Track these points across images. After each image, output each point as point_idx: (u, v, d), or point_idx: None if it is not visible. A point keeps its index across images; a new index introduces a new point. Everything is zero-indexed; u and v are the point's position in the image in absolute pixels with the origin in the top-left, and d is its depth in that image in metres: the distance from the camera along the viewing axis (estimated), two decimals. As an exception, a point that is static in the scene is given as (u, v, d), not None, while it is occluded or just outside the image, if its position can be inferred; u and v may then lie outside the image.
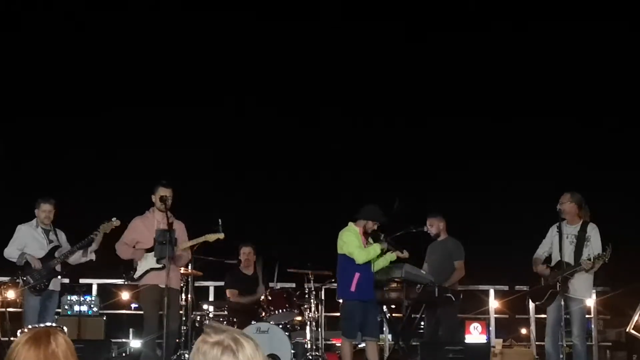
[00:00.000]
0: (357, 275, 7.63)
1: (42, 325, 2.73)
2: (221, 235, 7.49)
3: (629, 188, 14.12)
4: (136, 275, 7.53)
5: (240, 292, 8.81)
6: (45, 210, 7.95)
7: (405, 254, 7.84)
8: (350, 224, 7.82)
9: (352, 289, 7.63)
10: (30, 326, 2.72)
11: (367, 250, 7.65)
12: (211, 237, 7.49)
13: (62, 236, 8.12)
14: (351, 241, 7.67)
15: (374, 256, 7.66)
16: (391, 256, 7.86)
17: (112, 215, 7.83)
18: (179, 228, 7.67)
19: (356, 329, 7.64)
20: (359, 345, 8.57)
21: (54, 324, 2.74)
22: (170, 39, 15.22)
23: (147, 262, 7.45)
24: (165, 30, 15.15)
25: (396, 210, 7.82)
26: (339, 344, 10.64)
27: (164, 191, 7.49)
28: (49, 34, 14.61)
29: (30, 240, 7.87)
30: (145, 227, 7.54)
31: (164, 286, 7.28)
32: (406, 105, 16.10)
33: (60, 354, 2.62)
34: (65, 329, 2.75)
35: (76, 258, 7.93)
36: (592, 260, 7.17)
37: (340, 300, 7.97)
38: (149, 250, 7.49)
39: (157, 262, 7.36)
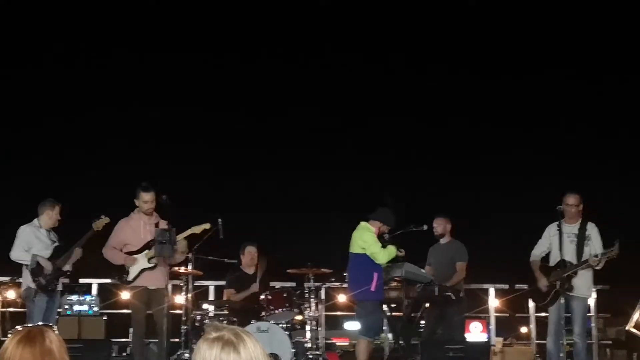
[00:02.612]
0: (376, 275, 7.73)
1: (30, 325, 2.75)
2: (207, 226, 7.53)
3: (629, 186, 14.13)
4: (130, 278, 7.57)
5: (238, 291, 8.82)
6: (57, 212, 7.97)
7: (402, 253, 7.89)
8: (365, 223, 7.87)
9: (373, 289, 7.72)
10: (19, 327, 2.73)
11: (388, 251, 7.75)
12: (197, 229, 7.55)
13: (56, 237, 8.15)
14: (374, 241, 7.77)
15: (391, 257, 7.73)
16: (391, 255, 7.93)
17: (100, 214, 7.88)
18: (164, 227, 7.69)
19: (378, 327, 7.76)
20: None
21: (40, 323, 2.76)
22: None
23: (139, 263, 7.49)
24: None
25: (388, 204, 7.88)
26: (339, 343, 10.66)
27: (143, 196, 7.55)
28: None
29: (35, 241, 7.87)
30: (132, 229, 7.58)
31: (152, 287, 7.34)
32: (406, 108, 16.10)
33: (56, 351, 2.63)
34: (55, 328, 2.77)
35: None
36: (599, 256, 7.18)
37: (345, 298, 8.05)
38: (137, 252, 7.54)
39: (149, 261, 7.40)
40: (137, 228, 7.54)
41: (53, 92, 14.76)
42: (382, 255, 7.70)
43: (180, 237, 7.59)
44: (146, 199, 7.57)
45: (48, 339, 2.65)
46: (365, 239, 7.77)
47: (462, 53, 15.51)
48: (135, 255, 7.55)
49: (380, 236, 7.90)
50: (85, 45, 14.78)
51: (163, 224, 7.67)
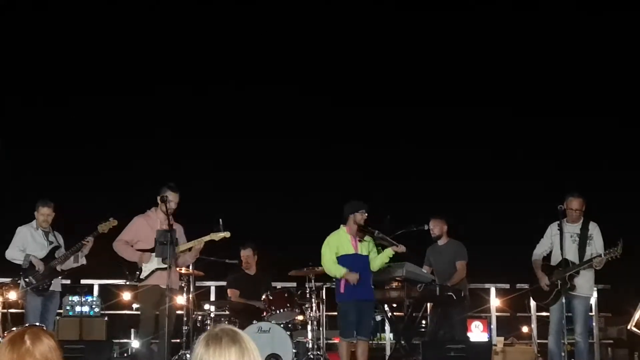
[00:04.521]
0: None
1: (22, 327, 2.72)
2: (227, 234, 7.51)
3: (630, 185, 14.12)
4: (143, 276, 7.50)
5: (242, 293, 8.83)
6: (44, 213, 7.97)
7: (402, 248, 7.84)
8: (342, 226, 7.87)
9: (342, 290, 7.73)
10: (14, 328, 2.71)
11: (334, 266, 7.74)
12: (217, 236, 7.50)
13: (60, 239, 8.15)
14: (326, 247, 7.81)
15: (334, 274, 7.76)
16: (388, 252, 7.83)
17: (109, 215, 7.90)
18: (178, 230, 7.69)
19: (351, 328, 7.68)
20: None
21: (36, 324, 2.74)
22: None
23: (154, 262, 7.45)
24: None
25: (386, 225, 7.86)
26: (341, 343, 10.61)
27: (169, 195, 7.53)
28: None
29: (30, 242, 7.91)
30: (149, 227, 7.49)
31: (164, 286, 7.30)
32: (404, 107, 16.10)
33: (37, 353, 2.60)
34: (45, 328, 2.74)
35: (68, 264, 7.96)
36: (602, 256, 7.18)
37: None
38: (149, 250, 7.52)
39: (163, 261, 7.35)
40: (155, 226, 7.43)
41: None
42: (327, 263, 7.78)
43: (196, 242, 7.59)
44: (171, 199, 7.55)
45: (29, 341, 2.61)
46: (322, 250, 7.86)
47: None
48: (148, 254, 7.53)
49: (367, 230, 7.84)
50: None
51: (176, 226, 7.68)
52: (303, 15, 15.31)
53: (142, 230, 7.54)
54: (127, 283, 9.85)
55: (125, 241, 7.59)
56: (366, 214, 7.81)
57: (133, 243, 7.58)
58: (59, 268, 7.90)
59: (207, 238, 7.52)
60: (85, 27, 14.76)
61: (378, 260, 7.88)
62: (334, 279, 7.90)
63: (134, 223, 7.67)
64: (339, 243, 7.80)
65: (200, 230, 7.83)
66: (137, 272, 7.52)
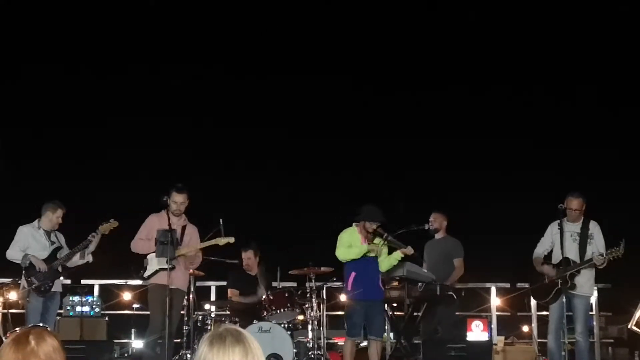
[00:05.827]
0: (352, 274, 7.75)
1: (25, 327, 2.72)
2: (231, 239, 7.54)
3: (631, 183, 14.12)
4: (146, 275, 7.55)
5: (242, 292, 8.84)
6: (59, 215, 7.97)
7: (410, 250, 7.86)
8: (354, 224, 7.90)
9: (349, 287, 7.76)
10: (17, 329, 2.72)
11: (348, 250, 7.72)
12: (221, 241, 7.54)
13: (62, 239, 8.15)
14: (339, 240, 7.81)
15: (354, 256, 7.72)
16: (397, 255, 7.89)
17: (110, 217, 7.90)
18: (191, 232, 7.73)
19: (356, 327, 7.69)
20: (361, 344, 8.60)
21: (40, 324, 2.74)
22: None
23: (158, 261, 7.46)
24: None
25: (401, 212, 7.87)
26: (341, 343, 10.64)
27: (173, 195, 7.54)
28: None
29: (32, 242, 7.90)
30: (161, 225, 7.52)
31: (172, 287, 7.31)
32: (402, 106, 16.09)
33: (41, 353, 2.60)
34: (49, 328, 2.74)
35: (74, 261, 7.96)
36: (604, 255, 7.18)
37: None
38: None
39: (167, 262, 7.36)
40: (165, 225, 7.46)
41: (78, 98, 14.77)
42: (340, 252, 7.75)
43: (203, 245, 7.61)
44: (176, 199, 7.58)
45: (33, 342, 2.61)
46: (338, 240, 7.86)
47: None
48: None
49: (376, 234, 7.84)
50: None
51: (190, 228, 7.70)
52: (303, 10, 15.27)
53: (155, 228, 7.59)
54: (127, 283, 9.88)
55: (140, 239, 7.70)
56: (376, 226, 7.80)
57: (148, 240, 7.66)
58: (60, 269, 7.91)
59: (212, 242, 7.57)
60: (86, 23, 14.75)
61: (386, 262, 7.94)
62: (343, 276, 7.93)
63: (147, 221, 7.77)
64: (351, 241, 7.84)
65: (200, 231, 7.86)
66: (141, 271, 7.56)
